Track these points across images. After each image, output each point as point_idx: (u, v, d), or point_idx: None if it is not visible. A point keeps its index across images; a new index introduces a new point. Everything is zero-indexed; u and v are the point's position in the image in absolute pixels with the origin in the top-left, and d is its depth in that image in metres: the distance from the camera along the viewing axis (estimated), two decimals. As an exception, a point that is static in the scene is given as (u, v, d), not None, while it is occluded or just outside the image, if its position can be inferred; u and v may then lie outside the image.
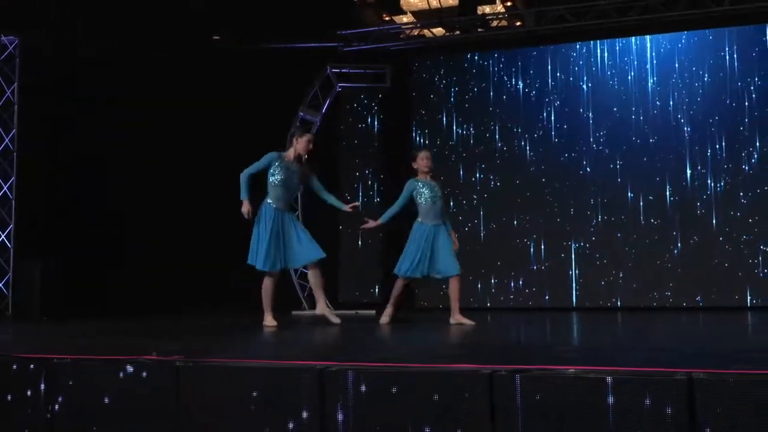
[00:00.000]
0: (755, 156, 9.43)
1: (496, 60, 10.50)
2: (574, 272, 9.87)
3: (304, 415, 3.43)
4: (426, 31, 10.16)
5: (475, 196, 10.35)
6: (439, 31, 10.18)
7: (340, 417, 3.38)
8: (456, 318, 6.88)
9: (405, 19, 10.35)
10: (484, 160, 10.38)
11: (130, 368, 3.75)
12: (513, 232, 10.15)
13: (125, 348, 4.69)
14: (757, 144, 9.43)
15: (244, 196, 6.66)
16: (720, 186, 9.49)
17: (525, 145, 10.24)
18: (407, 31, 10.28)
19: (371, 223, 7.12)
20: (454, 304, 6.90)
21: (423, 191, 6.95)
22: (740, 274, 9.34)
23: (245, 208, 6.62)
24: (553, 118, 10.19)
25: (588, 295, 9.81)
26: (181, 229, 10.37)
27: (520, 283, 10.10)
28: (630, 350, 4.64)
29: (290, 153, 6.88)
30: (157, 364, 3.76)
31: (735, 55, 9.59)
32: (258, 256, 6.72)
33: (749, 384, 2.89)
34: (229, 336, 6.15)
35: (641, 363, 3.60)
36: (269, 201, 6.76)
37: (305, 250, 6.74)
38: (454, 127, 10.53)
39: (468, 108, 10.52)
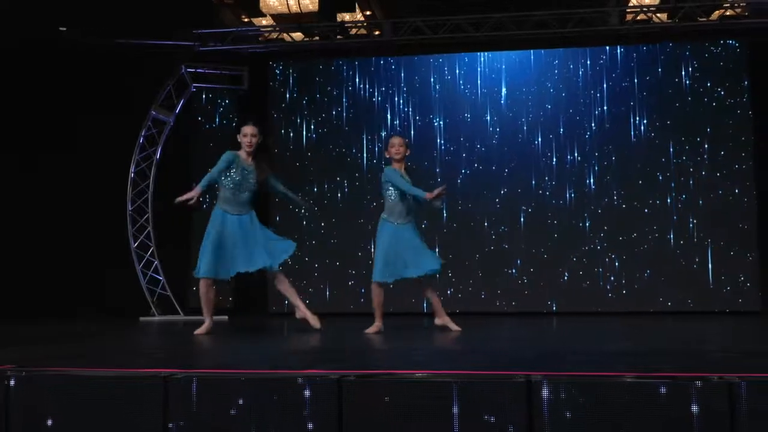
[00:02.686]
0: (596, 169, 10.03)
1: (353, 67, 10.60)
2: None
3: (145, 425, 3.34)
4: (285, 35, 10.12)
5: (325, 201, 10.38)
6: (298, 35, 10.17)
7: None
8: (444, 320, 6.76)
9: (264, 21, 10.27)
10: (335, 165, 10.42)
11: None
12: (355, 239, 10.21)
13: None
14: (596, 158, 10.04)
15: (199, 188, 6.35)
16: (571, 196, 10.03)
17: (374, 150, 10.40)
18: (266, 34, 10.19)
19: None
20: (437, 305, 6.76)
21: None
22: (588, 283, 9.88)
23: (192, 194, 6.27)
24: (405, 124, 10.39)
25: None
26: (46, 231, 9.87)
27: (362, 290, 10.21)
28: (470, 354, 4.81)
29: (242, 153, 6.57)
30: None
31: (580, 72, 10.16)
32: (199, 262, 6.42)
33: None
34: (73, 343, 5.87)
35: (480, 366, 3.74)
36: (217, 205, 6.51)
37: (259, 254, 6.43)
38: (305, 132, 10.53)
39: (323, 113, 10.55)
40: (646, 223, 9.89)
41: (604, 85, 10.14)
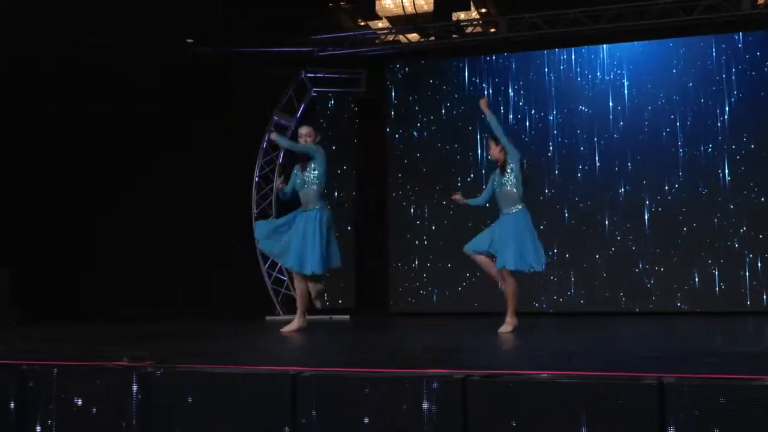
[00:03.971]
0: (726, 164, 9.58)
1: (470, 66, 10.55)
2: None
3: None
4: (401, 37, 10.19)
5: (443, 201, 10.31)
6: (413, 36, 10.22)
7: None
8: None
9: (380, 24, 10.38)
10: (459, 163, 10.40)
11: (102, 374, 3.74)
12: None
13: (97, 354, 4.65)
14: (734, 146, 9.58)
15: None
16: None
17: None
18: (382, 37, 10.30)
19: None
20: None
21: None
22: (722, 285, 9.49)
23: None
24: (527, 122, 10.25)
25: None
26: (156, 230, 10.37)
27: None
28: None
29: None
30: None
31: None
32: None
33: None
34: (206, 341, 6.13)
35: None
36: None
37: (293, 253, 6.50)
38: (422, 131, 10.55)
39: (439, 112, 10.54)
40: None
41: (734, 74, 9.64)
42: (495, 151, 6.48)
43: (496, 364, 3.96)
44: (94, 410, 3.70)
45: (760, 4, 9.02)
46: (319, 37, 10.13)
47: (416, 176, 10.48)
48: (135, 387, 3.66)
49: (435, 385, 3.27)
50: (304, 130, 6.71)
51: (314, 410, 3.41)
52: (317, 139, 6.70)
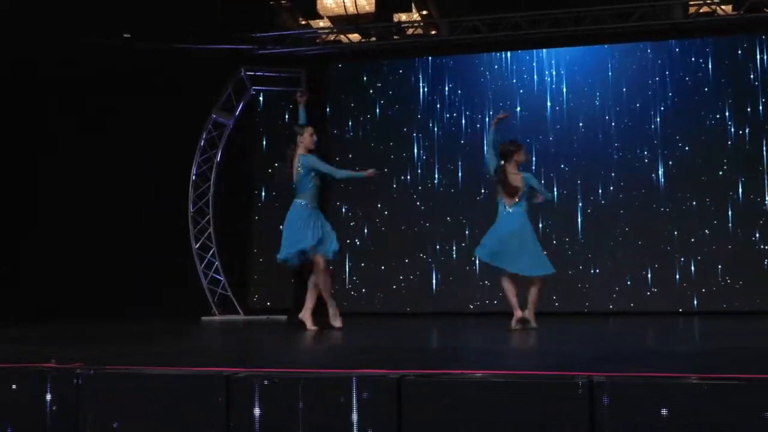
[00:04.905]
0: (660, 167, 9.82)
1: (410, 67, 10.60)
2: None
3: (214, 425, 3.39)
4: (342, 37, 10.17)
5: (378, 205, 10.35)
6: (355, 36, 10.21)
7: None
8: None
9: (321, 23, 10.34)
10: (396, 163, 10.44)
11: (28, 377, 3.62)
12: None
13: (25, 356, 4.51)
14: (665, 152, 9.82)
15: (360, 174, 6.95)
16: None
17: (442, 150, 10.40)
18: (323, 36, 10.26)
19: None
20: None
21: None
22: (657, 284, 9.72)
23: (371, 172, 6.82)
24: (463, 123, 10.34)
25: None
26: (90, 230, 10.13)
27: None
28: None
29: (303, 152, 6.87)
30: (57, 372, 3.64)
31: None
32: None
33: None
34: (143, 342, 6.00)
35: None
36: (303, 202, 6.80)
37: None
38: (361, 132, 10.56)
39: (378, 113, 10.56)
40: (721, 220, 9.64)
41: (666, 81, 9.90)
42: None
43: (431, 364, 3.97)
44: (20, 412, 3.59)
45: (692, 14, 9.29)
46: (259, 35, 10.03)
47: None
48: (63, 389, 3.56)
49: (370, 385, 3.26)
50: (311, 129, 6.93)
51: (249, 412, 3.37)
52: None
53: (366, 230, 10.38)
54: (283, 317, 9.46)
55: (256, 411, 3.36)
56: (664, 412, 2.97)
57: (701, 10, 9.29)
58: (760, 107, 9.58)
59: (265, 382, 3.38)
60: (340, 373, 3.47)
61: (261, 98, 10.54)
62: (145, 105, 10.17)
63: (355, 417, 3.25)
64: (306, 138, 6.83)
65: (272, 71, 10.23)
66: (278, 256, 6.81)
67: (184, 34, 9.76)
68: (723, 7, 9.23)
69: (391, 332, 6.69)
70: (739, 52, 9.75)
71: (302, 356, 4.81)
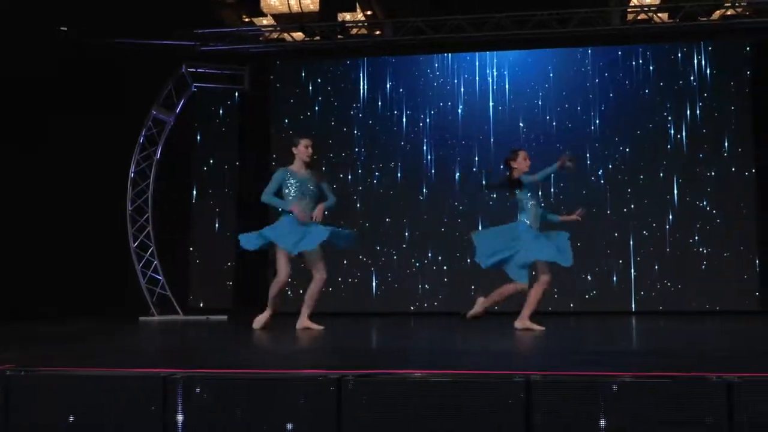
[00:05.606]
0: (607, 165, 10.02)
1: (354, 66, 10.61)
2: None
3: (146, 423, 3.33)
4: (286, 35, 10.11)
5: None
6: (299, 35, 10.16)
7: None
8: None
9: (265, 21, 10.26)
10: (338, 162, 10.42)
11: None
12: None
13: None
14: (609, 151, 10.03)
15: (287, 206, 6.66)
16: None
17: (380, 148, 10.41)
18: (267, 34, 10.19)
19: None
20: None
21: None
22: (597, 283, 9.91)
23: (299, 212, 6.61)
24: (404, 124, 10.39)
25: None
26: (44, 231, 9.85)
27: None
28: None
29: (296, 164, 6.81)
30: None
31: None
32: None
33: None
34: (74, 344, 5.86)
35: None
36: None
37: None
38: (305, 130, 10.48)
39: (322, 112, 10.54)
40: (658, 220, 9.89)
41: (605, 85, 10.12)
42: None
43: (371, 363, 3.97)
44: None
45: (630, 21, 9.50)
46: (202, 31, 9.90)
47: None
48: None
49: (310, 386, 3.25)
50: (310, 141, 6.85)
51: (185, 413, 3.32)
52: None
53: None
54: (224, 317, 9.36)
55: (194, 412, 3.32)
56: (598, 409, 3.03)
57: (639, 17, 9.51)
58: (698, 111, 9.86)
59: (203, 383, 3.34)
60: (279, 373, 3.46)
61: (201, 95, 10.38)
62: (83, 102, 9.93)
63: (294, 417, 3.23)
64: (301, 150, 6.76)
65: (215, 68, 10.11)
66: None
67: (125, 29, 9.56)
68: (660, 15, 9.46)
69: (330, 333, 6.67)
70: (679, 55, 10.03)
71: (241, 357, 4.76)
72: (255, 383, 3.33)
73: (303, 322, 6.82)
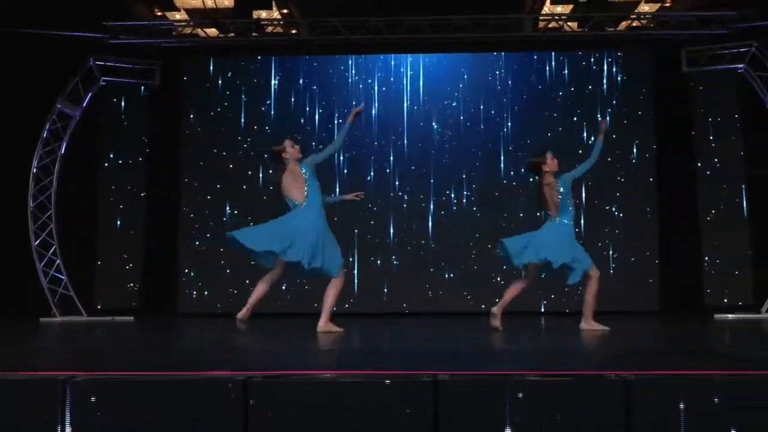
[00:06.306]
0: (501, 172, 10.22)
1: (269, 65, 10.50)
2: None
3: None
4: (199, 31, 9.92)
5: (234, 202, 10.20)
6: (212, 31, 9.99)
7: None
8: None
9: (178, 15, 10.04)
10: (252, 160, 10.30)
11: None
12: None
13: None
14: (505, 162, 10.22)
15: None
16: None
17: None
18: (180, 29, 9.97)
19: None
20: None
21: None
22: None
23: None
24: (317, 123, 10.35)
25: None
26: None
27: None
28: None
29: (291, 167, 6.52)
30: None
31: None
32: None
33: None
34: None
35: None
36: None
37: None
38: (218, 129, 10.35)
39: (235, 110, 10.39)
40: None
41: (518, 89, 10.34)
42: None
43: (280, 364, 3.93)
44: None
45: (541, 28, 9.74)
46: (111, 23, 9.60)
47: (211, 173, 10.26)
48: None
49: (217, 387, 3.20)
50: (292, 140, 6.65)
51: (88, 417, 3.22)
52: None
53: (208, 234, 10.13)
54: (130, 318, 9.12)
55: (95, 415, 3.22)
56: (504, 408, 3.08)
57: (550, 26, 9.76)
58: (608, 117, 10.16)
59: (105, 386, 3.24)
60: (184, 375, 3.39)
61: (108, 89, 10.06)
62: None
63: (199, 420, 3.17)
64: (289, 150, 6.56)
65: (125, 62, 9.84)
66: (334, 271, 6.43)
67: (30, 18, 9.18)
68: (570, 24, 9.73)
69: (238, 333, 6.58)
70: (592, 60, 10.34)
71: (146, 359, 4.64)
72: (159, 386, 3.25)
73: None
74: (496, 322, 6.55)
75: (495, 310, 6.60)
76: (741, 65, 9.49)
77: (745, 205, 9.70)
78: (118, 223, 9.94)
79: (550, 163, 6.66)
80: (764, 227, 9.63)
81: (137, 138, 10.17)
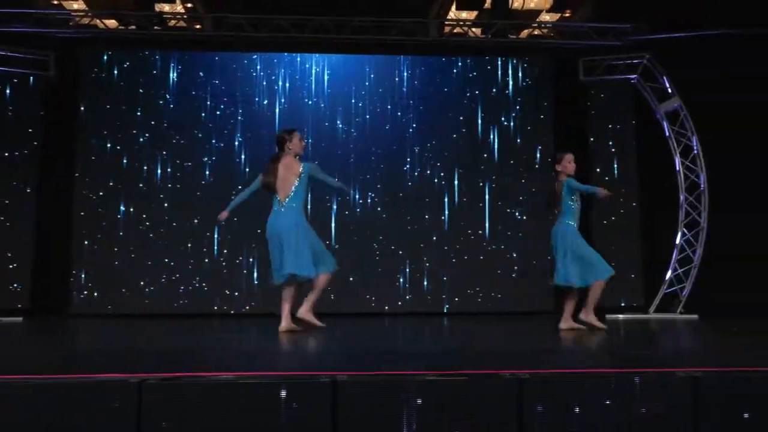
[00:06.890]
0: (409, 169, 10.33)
1: (169, 59, 10.25)
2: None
3: None
4: (98, 22, 9.59)
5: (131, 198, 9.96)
6: (112, 23, 9.68)
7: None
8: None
9: (76, 5, 9.68)
10: (149, 157, 10.05)
11: None
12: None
13: None
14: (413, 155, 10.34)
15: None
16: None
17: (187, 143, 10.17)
18: (77, 19, 9.61)
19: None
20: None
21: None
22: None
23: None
24: (216, 119, 10.20)
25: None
26: None
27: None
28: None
29: (288, 158, 6.33)
30: None
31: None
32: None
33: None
34: None
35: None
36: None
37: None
38: (116, 122, 10.05)
39: (134, 104, 10.11)
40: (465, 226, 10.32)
41: (424, 91, 10.46)
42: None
43: (178, 366, 3.85)
44: None
45: (446, 33, 9.89)
46: (2, 10, 9.15)
47: (107, 168, 9.95)
48: None
49: (111, 390, 3.11)
50: (300, 134, 6.51)
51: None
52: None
53: (99, 234, 9.86)
54: (19, 319, 8.73)
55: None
56: (402, 408, 3.11)
57: (455, 31, 9.93)
58: (512, 122, 10.42)
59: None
60: (77, 378, 3.27)
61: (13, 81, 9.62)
62: None
63: (93, 424, 3.07)
64: (295, 143, 6.36)
65: (16, 51, 9.41)
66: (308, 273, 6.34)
67: None
68: (474, 30, 9.93)
69: (132, 335, 6.42)
70: (498, 64, 10.57)
71: (38, 361, 4.46)
72: (50, 388, 3.13)
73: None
74: (598, 324, 6.67)
75: (583, 317, 6.68)
76: (634, 76, 9.92)
77: (638, 209, 10.16)
78: (5, 220, 9.51)
79: (564, 165, 6.78)
80: (657, 231, 10.09)
81: (25, 131, 9.75)
